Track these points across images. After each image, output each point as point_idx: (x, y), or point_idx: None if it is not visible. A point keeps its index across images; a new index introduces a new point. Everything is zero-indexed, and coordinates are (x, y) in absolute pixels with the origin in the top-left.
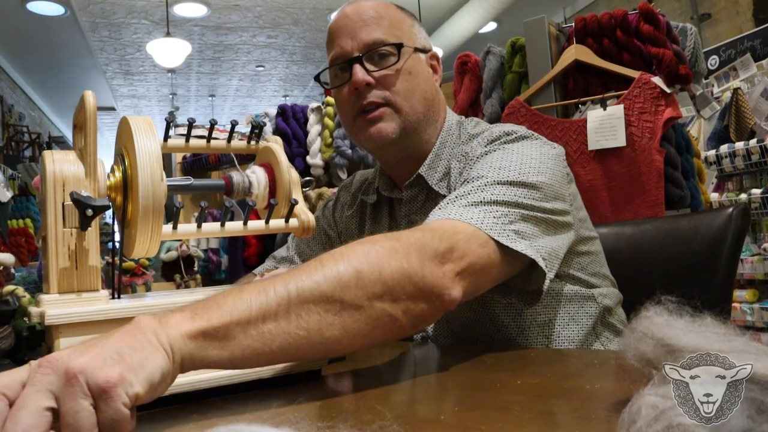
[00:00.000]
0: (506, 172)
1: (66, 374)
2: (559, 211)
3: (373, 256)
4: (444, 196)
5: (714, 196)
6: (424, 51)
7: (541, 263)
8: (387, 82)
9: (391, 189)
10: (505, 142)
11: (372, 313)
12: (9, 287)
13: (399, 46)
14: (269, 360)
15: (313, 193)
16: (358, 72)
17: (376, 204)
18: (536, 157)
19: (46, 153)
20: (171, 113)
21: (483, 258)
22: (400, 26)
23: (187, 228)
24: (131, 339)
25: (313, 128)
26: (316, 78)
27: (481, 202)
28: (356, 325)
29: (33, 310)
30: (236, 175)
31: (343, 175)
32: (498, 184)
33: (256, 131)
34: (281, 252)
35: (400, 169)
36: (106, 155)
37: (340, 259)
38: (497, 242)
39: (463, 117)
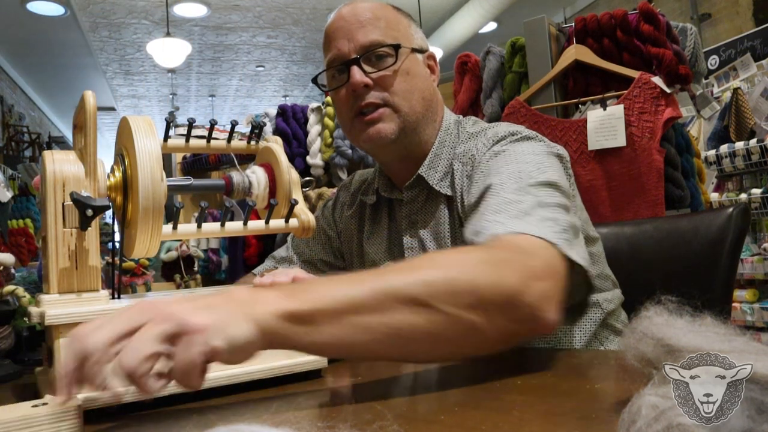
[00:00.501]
0: (527, 176)
1: (155, 317)
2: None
3: (468, 266)
4: (445, 196)
5: (714, 196)
6: (421, 51)
7: (592, 275)
8: (385, 83)
9: (391, 190)
10: (512, 142)
11: (460, 323)
12: (9, 287)
13: (396, 47)
14: (350, 352)
15: (313, 193)
16: (356, 74)
17: (375, 205)
18: (545, 159)
19: (46, 153)
20: (171, 113)
21: (564, 274)
22: (397, 27)
23: (187, 228)
24: (224, 303)
25: (313, 128)
26: (314, 80)
27: (529, 210)
28: (442, 332)
29: (33, 310)
30: (236, 175)
31: (343, 175)
32: (530, 186)
33: (256, 131)
34: (281, 252)
35: (400, 170)
36: (106, 155)
37: (433, 264)
38: (565, 255)
39: (461, 116)
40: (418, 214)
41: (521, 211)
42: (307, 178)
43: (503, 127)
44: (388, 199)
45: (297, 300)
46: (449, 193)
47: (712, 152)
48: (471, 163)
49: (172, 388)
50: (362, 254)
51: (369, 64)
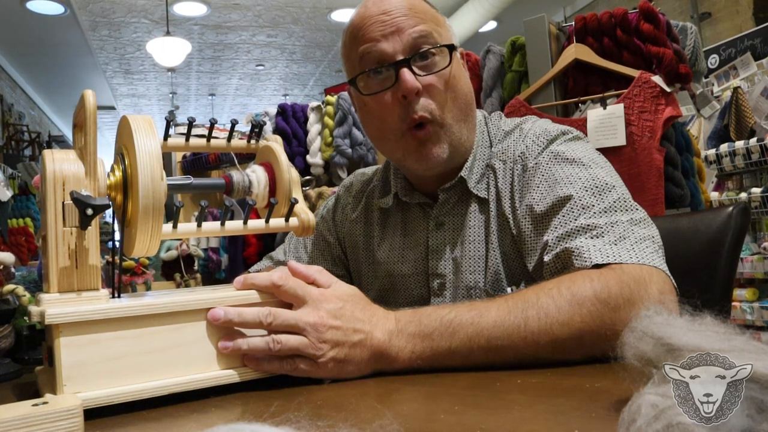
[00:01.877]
0: (602, 185)
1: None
2: None
3: (576, 323)
4: (478, 198)
5: (714, 195)
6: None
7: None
8: (433, 91)
9: (412, 194)
10: (566, 141)
11: (564, 358)
12: (9, 286)
13: (451, 48)
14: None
15: (313, 192)
16: (408, 78)
17: (388, 211)
18: (604, 161)
19: (46, 152)
20: (171, 112)
21: (673, 291)
22: (438, 22)
23: (187, 227)
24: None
25: (313, 127)
26: (352, 82)
27: (624, 233)
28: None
29: (33, 309)
30: (236, 175)
31: (343, 174)
32: (614, 201)
33: (256, 130)
34: (278, 255)
35: (434, 175)
36: (106, 154)
37: (542, 317)
38: (668, 275)
39: (484, 112)
40: (446, 216)
41: (618, 235)
42: (307, 177)
43: (547, 124)
44: (403, 203)
45: (425, 345)
46: (483, 195)
47: (712, 151)
48: (521, 161)
49: (172, 388)
50: (373, 261)
51: (416, 65)
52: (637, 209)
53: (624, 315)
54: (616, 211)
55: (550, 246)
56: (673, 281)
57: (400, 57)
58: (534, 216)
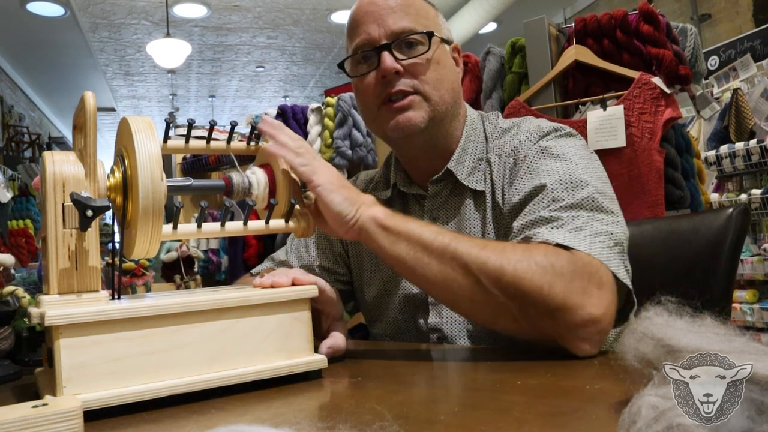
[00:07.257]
0: (578, 180)
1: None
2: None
3: (524, 267)
4: (473, 191)
5: (714, 197)
6: (448, 42)
7: (633, 296)
8: (416, 71)
9: (410, 184)
10: (556, 137)
11: (497, 304)
12: (9, 288)
13: (430, 35)
14: (410, 275)
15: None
16: (387, 59)
17: (387, 201)
18: (589, 159)
19: (46, 154)
20: (171, 114)
21: (612, 289)
22: (427, 15)
23: (187, 228)
24: (354, 190)
25: (313, 129)
26: (341, 65)
27: (583, 225)
28: (480, 302)
29: (33, 310)
30: (236, 176)
31: (343, 176)
32: (584, 198)
33: (256, 132)
34: (279, 255)
35: (422, 163)
36: (106, 156)
37: (497, 251)
38: (614, 275)
39: (482, 111)
40: (440, 209)
41: (575, 226)
42: None
43: (542, 122)
44: (401, 194)
45: (393, 220)
46: (479, 187)
47: (712, 153)
48: (513, 155)
49: (172, 388)
50: (375, 256)
51: (400, 50)
52: (602, 210)
53: (563, 283)
54: (581, 208)
55: (514, 233)
56: (622, 280)
57: (384, 42)
58: (512, 205)
